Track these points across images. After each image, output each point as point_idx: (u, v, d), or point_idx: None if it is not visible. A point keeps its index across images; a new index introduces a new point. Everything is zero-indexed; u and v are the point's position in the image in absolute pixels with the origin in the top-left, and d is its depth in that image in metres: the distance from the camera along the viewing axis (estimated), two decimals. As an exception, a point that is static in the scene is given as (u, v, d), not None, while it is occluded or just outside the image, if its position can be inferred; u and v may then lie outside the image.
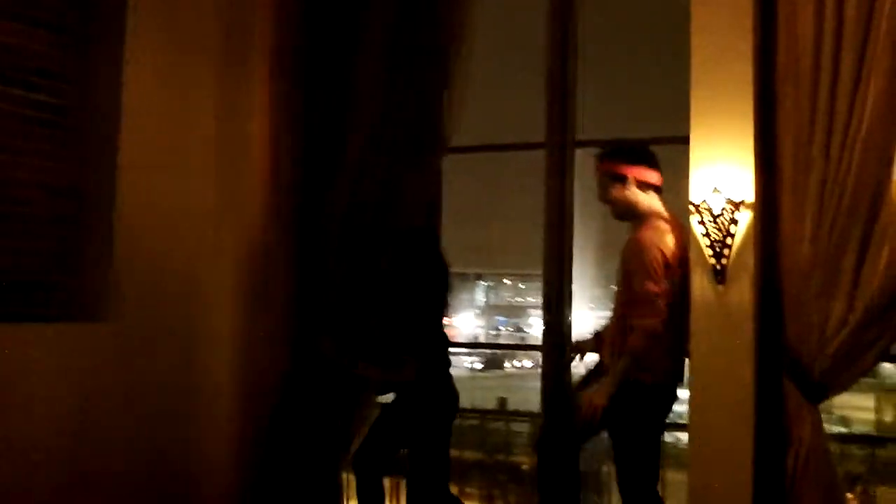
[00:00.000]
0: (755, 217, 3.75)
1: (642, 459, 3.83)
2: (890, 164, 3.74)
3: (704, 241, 3.78)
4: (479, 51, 4.56)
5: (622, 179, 3.93)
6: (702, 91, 3.85)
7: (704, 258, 3.79)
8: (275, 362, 4.67)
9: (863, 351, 3.80)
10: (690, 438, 3.81)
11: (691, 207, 3.81)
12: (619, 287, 4.02)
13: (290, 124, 4.85)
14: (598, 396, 3.78)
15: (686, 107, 4.01)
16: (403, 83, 4.63)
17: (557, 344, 4.47)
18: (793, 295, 3.84)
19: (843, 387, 3.94)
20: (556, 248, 4.51)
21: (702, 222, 3.77)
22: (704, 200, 3.76)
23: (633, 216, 3.97)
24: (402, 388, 4.25)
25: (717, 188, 3.74)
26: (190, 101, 4.48)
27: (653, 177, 3.96)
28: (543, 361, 4.55)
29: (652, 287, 3.75)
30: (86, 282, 4.14)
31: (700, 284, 3.80)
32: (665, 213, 3.95)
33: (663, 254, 3.81)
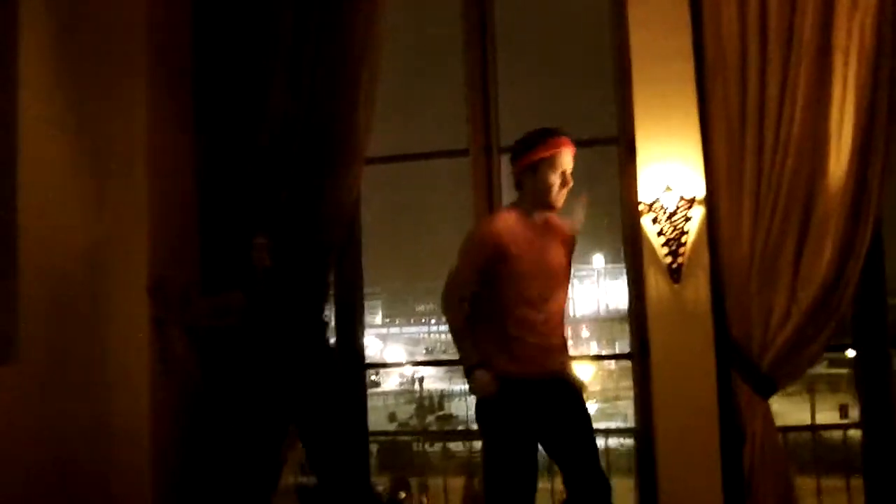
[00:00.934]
0: (706, 213, 3.71)
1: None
2: (824, 157, 3.80)
3: (659, 241, 3.71)
4: (395, 58, 4.34)
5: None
6: (645, 89, 3.82)
7: (658, 257, 3.73)
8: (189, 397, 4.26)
9: (808, 343, 3.84)
10: (658, 439, 3.72)
11: (643, 207, 3.74)
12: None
13: (185, 142, 4.45)
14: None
15: (605, 108, 3.96)
16: (310, 93, 4.34)
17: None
18: (735, 291, 3.85)
19: (790, 379, 3.99)
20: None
21: (656, 221, 3.71)
22: (658, 199, 3.70)
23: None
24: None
25: (670, 186, 3.68)
26: (83, 120, 4.05)
27: None
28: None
29: None
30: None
31: (655, 284, 3.74)
32: None
33: None
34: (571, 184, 3.39)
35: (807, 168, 3.85)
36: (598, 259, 23.01)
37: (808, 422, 5.01)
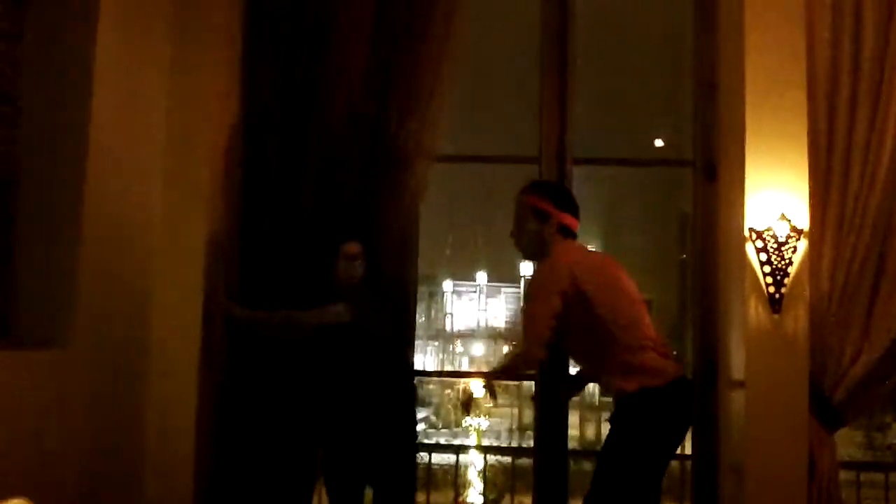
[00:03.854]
0: (809, 246, 3.72)
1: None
2: (906, 200, 3.89)
3: (764, 269, 3.68)
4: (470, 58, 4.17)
5: (545, 218, 3.67)
6: (758, 116, 3.77)
7: (761, 286, 3.70)
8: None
9: (879, 381, 3.92)
10: (745, 470, 3.68)
11: (750, 234, 3.70)
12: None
13: (236, 137, 4.09)
14: None
15: (680, 128, 3.91)
16: (380, 82, 4.07)
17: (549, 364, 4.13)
18: (813, 326, 3.85)
19: (857, 415, 4.06)
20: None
21: (763, 250, 3.67)
22: (770, 227, 3.66)
23: (541, 255, 3.70)
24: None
25: (785, 215, 3.66)
26: (145, 99, 3.70)
27: (574, 224, 3.73)
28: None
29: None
30: (31, 303, 3.20)
31: (755, 314, 3.70)
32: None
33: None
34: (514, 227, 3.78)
35: (889, 212, 3.93)
36: (482, 276, 23.24)
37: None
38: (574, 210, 3.74)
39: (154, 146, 3.69)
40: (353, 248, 3.85)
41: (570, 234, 3.69)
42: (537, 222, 3.67)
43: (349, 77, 4.02)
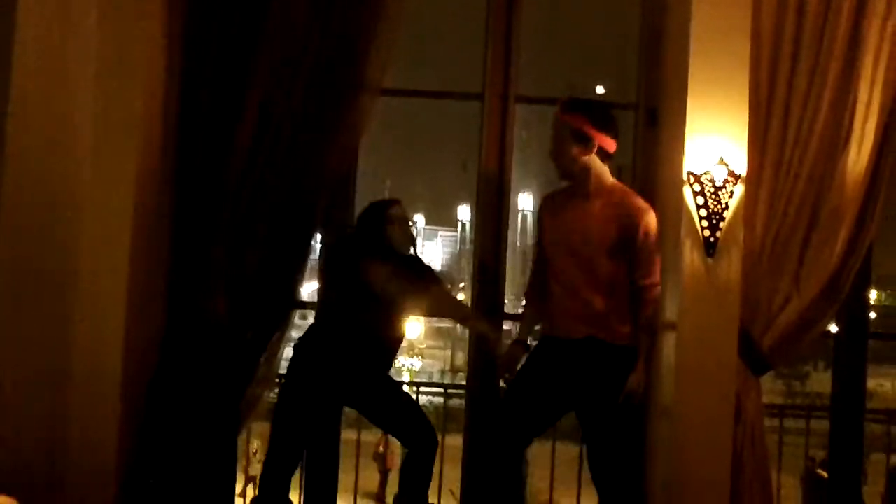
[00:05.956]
0: (746, 191, 3.76)
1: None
2: (844, 154, 3.96)
3: (701, 213, 3.71)
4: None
5: (586, 141, 3.54)
6: (702, 62, 3.77)
7: (696, 230, 3.74)
8: (155, 325, 3.86)
9: (807, 328, 4.02)
10: (674, 411, 3.75)
11: (688, 177, 3.72)
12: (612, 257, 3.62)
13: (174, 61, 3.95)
14: (639, 381, 3.60)
15: (627, 70, 3.93)
16: (325, 14, 3.96)
17: (492, 312, 4.15)
18: (745, 272, 3.91)
19: (784, 361, 4.16)
20: (493, 208, 4.18)
21: (700, 193, 3.70)
22: (708, 171, 3.70)
23: (582, 183, 3.60)
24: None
25: (723, 159, 3.69)
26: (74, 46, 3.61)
27: (613, 147, 3.62)
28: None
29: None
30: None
31: (690, 257, 3.75)
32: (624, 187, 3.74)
33: None
34: (552, 147, 3.62)
35: (825, 163, 3.99)
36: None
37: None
38: (614, 131, 3.61)
39: (84, 88, 3.59)
40: (402, 210, 3.81)
41: (607, 156, 3.60)
42: (577, 145, 3.55)
43: (294, 11, 3.89)
